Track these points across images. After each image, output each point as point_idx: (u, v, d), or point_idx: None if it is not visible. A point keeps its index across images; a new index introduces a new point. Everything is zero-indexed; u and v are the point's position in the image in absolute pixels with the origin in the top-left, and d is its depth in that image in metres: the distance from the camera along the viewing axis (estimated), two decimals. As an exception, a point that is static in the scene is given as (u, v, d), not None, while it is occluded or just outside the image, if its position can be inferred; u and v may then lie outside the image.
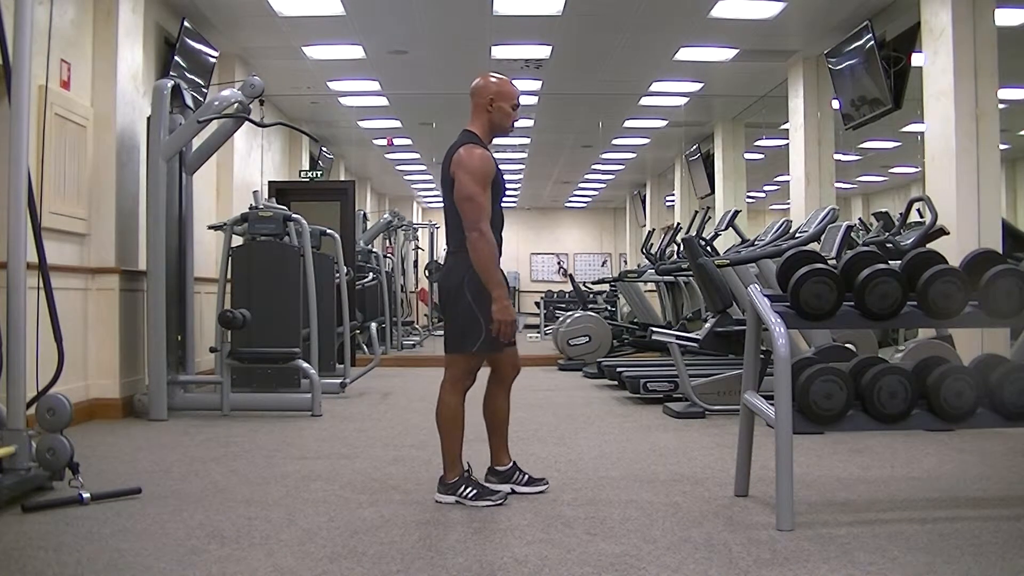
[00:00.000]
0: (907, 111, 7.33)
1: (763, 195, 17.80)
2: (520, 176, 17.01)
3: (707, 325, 5.83)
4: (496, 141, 3.34)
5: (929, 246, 3.97)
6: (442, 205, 3.32)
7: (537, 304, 15.55)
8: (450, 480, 3.23)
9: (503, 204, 3.32)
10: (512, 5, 7.56)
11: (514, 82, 3.36)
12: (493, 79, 3.31)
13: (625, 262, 19.27)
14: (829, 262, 3.44)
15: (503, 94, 3.27)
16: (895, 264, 3.24)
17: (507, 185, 3.39)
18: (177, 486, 3.50)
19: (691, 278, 7.55)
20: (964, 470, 3.80)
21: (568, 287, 17.20)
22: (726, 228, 6.87)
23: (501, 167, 3.27)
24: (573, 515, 3.02)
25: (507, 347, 3.28)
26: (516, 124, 3.35)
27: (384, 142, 13.36)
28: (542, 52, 8.79)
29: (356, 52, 8.83)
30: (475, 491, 3.19)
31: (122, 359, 5.53)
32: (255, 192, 7.20)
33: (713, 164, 12.06)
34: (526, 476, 3.39)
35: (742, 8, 7.58)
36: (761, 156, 13.24)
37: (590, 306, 11.15)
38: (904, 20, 7.00)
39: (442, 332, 3.41)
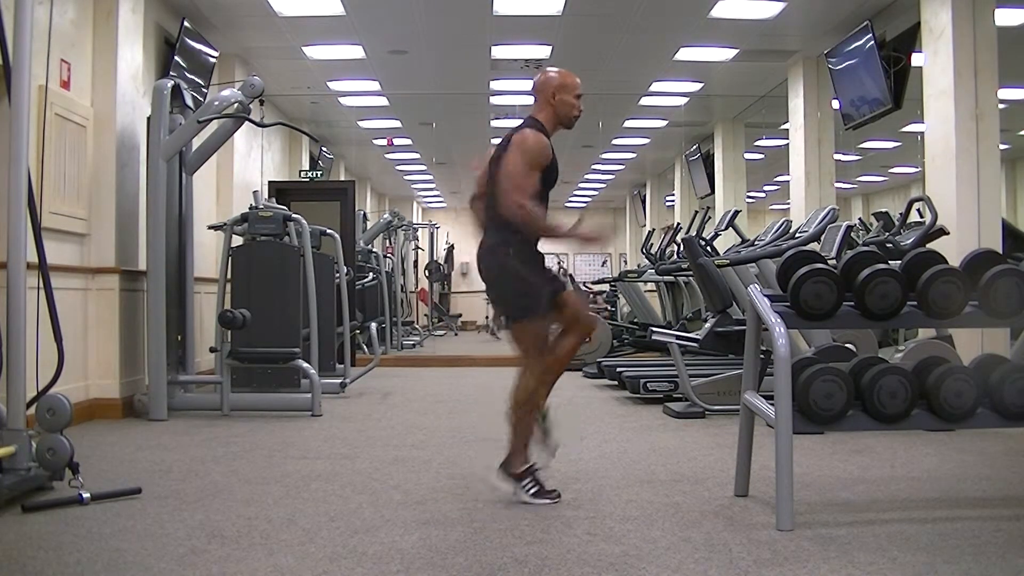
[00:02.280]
0: (907, 111, 7.34)
1: (763, 195, 17.80)
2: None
3: (707, 325, 5.83)
4: None
5: (929, 246, 3.97)
6: (486, 189, 3.33)
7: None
8: (517, 470, 3.18)
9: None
10: (512, 5, 7.56)
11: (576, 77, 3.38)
12: (553, 72, 3.37)
13: (625, 262, 19.26)
14: (829, 262, 3.44)
15: (565, 86, 3.32)
16: (895, 264, 3.24)
17: None
18: (177, 486, 3.49)
19: (691, 278, 7.55)
20: (964, 470, 3.80)
21: (568, 287, 17.18)
22: (726, 228, 6.88)
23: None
24: (573, 515, 3.02)
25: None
26: (580, 116, 3.37)
27: (384, 142, 13.37)
28: (542, 52, 8.79)
29: (356, 52, 8.83)
30: (536, 487, 3.17)
31: (122, 359, 5.53)
32: (255, 192, 7.20)
33: (713, 164, 12.07)
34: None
35: (742, 8, 7.58)
36: (761, 156, 13.25)
37: (590, 306, 11.14)
38: (904, 20, 7.00)
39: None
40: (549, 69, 3.41)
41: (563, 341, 3.27)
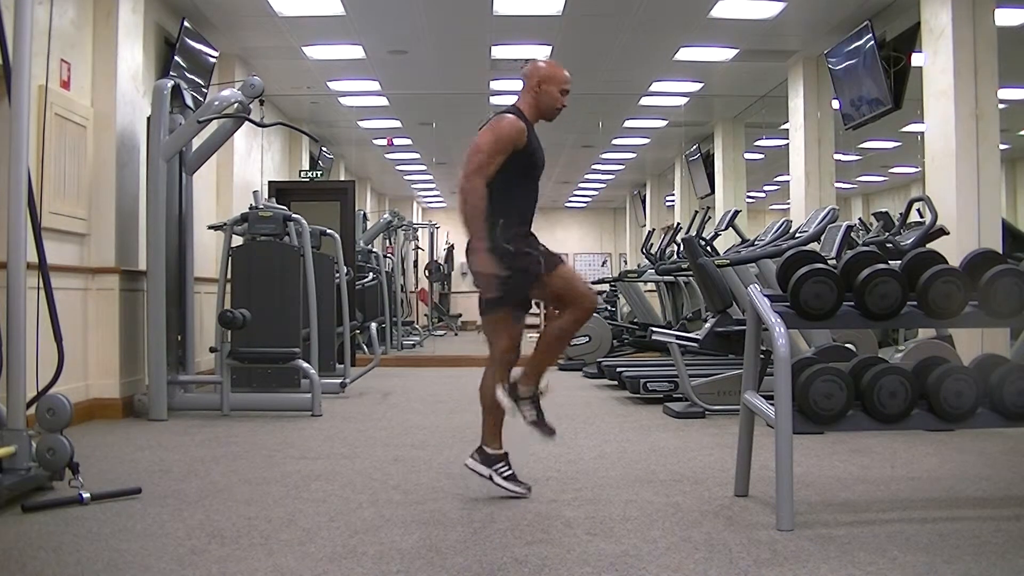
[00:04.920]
0: (907, 111, 7.33)
1: (763, 195, 17.78)
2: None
3: (707, 325, 5.83)
4: None
5: (929, 246, 3.97)
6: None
7: (537, 304, 15.52)
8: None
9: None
10: (512, 5, 7.56)
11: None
12: (543, 63, 3.40)
13: (625, 262, 19.24)
14: (829, 262, 3.44)
15: (552, 78, 3.34)
16: (895, 264, 3.24)
17: None
18: (177, 486, 3.49)
19: (691, 278, 7.55)
20: (964, 470, 3.80)
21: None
22: (726, 228, 6.87)
23: None
24: (573, 515, 3.02)
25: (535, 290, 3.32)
26: (562, 110, 3.39)
27: (384, 142, 13.37)
28: (542, 52, 8.79)
29: (356, 52, 8.83)
30: (510, 471, 3.25)
31: (122, 359, 5.53)
32: (255, 192, 7.21)
33: (713, 164, 12.06)
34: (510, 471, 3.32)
35: (742, 8, 7.58)
36: (761, 156, 13.24)
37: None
38: (904, 20, 7.00)
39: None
40: (541, 59, 3.44)
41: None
